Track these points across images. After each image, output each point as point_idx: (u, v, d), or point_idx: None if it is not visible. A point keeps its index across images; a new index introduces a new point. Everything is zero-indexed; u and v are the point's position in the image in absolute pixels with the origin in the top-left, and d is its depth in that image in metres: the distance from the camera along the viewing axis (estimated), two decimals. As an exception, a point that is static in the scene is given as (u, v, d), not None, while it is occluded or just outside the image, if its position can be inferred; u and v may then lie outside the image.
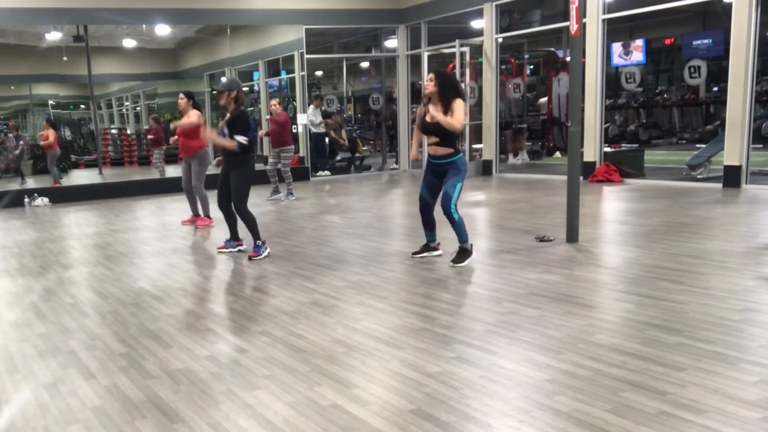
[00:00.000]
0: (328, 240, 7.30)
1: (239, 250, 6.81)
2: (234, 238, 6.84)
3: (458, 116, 5.52)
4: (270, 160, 10.99)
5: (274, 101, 10.93)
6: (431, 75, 5.70)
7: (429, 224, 6.04)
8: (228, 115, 6.35)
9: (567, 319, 4.15)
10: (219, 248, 6.92)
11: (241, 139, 6.15)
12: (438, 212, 5.82)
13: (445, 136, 5.65)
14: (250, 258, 6.40)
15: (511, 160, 15.72)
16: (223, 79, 7.11)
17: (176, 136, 8.60)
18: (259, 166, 9.68)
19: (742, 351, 3.49)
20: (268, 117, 10.75)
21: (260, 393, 3.24)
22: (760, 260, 5.45)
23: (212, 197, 8.76)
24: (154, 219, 9.80)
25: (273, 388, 3.30)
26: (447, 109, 5.58)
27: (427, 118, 5.70)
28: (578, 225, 6.54)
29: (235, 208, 6.42)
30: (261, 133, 11.48)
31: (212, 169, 9.37)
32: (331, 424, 2.88)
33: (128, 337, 4.23)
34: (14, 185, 13.70)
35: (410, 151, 6.32)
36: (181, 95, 8.42)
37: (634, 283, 4.95)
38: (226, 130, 6.31)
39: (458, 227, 5.72)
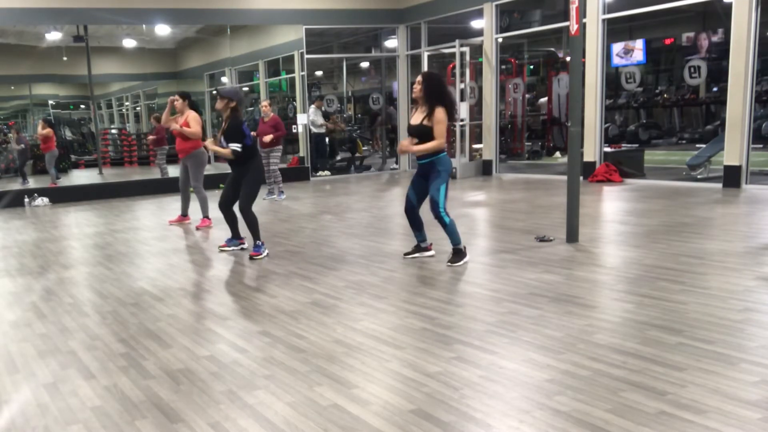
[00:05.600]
0: (328, 240, 7.30)
1: (241, 248, 6.88)
2: (236, 236, 6.94)
3: (437, 131, 5.55)
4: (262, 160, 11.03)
5: (264, 102, 10.97)
6: (419, 78, 5.73)
7: (415, 224, 6.05)
8: (224, 124, 6.63)
9: (567, 319, 4.15)
10: (221, 246, 6.97)
11: (235, 146, 6.43)
12: (426, 213, 5.83)
13: (424, 138, 5.68)
14: (251, 257, 6.48)
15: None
16: (228, 85, 7.34)
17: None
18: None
19: (742, 351, 3.49)
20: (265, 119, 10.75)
21: (260, 393, 3.24)
22: (760, 260, 5.45)
23: (211, 198, 8.81)
24: (154, 219, 9.80)
25: (273, 388, 3.30)
26: (430, 113, 5.60)
27: (411, 121, 5.78)
28: (578, 225, 6.54)
29: (240, 209, 6.54)
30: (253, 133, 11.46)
31: (211, 170, 9.39)
32: (331, 424, 2.88)
33: (128, 337, 4.23)
34: (14, 185, 13.70)
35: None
36: (177, 96, 8.44)
37: (634, 283, 4.95)
38: (223, 141, 6.55)
39: (450, 230, 5.72)
